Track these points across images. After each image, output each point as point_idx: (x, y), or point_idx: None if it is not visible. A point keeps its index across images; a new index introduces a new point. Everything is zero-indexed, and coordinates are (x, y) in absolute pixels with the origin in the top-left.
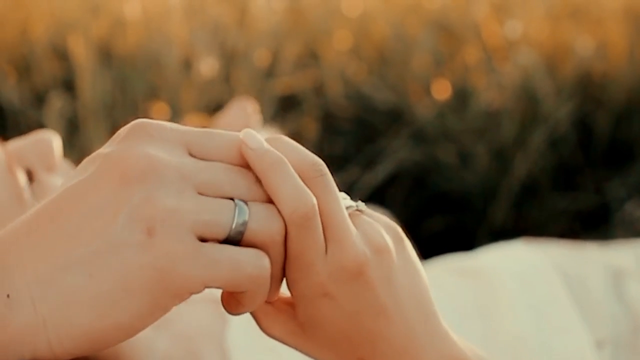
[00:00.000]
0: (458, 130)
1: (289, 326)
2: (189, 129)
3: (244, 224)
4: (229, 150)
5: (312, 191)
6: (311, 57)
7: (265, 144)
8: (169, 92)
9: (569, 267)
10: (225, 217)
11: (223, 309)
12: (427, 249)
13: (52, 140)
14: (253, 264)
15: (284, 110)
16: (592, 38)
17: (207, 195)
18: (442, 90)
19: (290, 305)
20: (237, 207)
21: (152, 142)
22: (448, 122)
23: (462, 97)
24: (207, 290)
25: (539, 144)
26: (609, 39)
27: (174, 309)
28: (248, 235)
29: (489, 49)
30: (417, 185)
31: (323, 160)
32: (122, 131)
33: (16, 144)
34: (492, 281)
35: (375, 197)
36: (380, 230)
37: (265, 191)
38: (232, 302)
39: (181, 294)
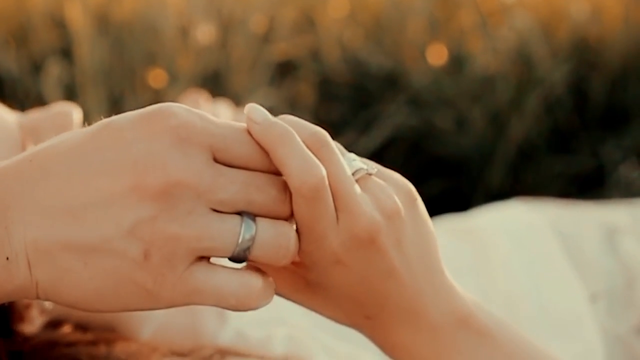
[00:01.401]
0: (454, 95)
1: (297, 286)
2: (219, 131)
3: (250, 241)
4: (255, 156)
5: (320, 160)
6: (307, 23)
7: (271, 117)
8: (166, 58)
9: (564, 224)
10: (228, 242)
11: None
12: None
13: (72, 113)
14: (236, 295)
15: (280, 76)
16: (587, 1)
17: (219, 212)
18: (437, 55)
19: (300, 267)
20: (243, 225)
21: (177, 147)
22: (444, 86)
23: (457, 61)
24: None
25: (535, 108)
26: (604, 3)
27: None
28: (252, 257)
29: (485, 13)
30: (414, 150)
31: (320, 126)
32: (151, 118)
33: (34, 117)
34: (486, 240)
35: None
36: (390, 194)
37: (284, 205)
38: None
39: (165, 307)
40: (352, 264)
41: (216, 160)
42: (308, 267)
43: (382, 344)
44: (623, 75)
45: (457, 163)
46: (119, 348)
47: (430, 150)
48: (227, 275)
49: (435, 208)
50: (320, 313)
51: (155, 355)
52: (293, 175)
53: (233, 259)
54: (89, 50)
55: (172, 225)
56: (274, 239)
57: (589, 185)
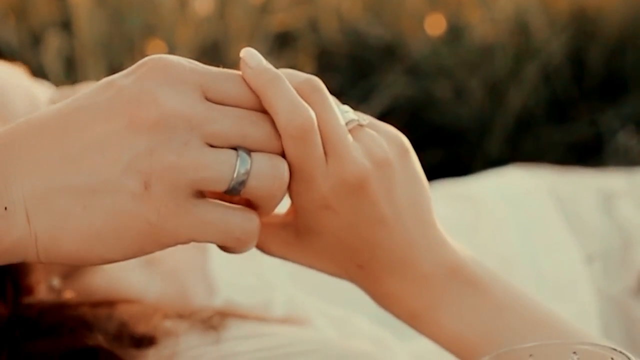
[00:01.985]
0: (452, 65)
1: (287, 241)
2: (208, 70)
3: (245, 175)
4: (247, 94)
5: (311, 106)
6: None
7: (265, 62)
8: (165, 30)
9: (560, 189)
10: (225, 172)
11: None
12: None
13: None
14: (241, 227)
15: (279, 47)
16: None
17: (213, 146)
18: (436, 26)
19: (288, 221)
20: (239, 159)
21: (169, 84)
22: (442, 57)
23: (456, 31)
24: None
25: (533, 77)
26: None
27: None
28: (247, 190)
29: None
30: (412, 120)
31: None
32: (142, 64)
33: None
34: (482, 204)
35: None
36: (382, 143)
37: (277, 141)
38: (219, 246)
39: (167, 246)
40: (341, 210)
41: (207, 99)
42: (298, 213)
43: (374, 294)
44: (621, 45)
45: (455, 133)
46: (121, 309)
47: (429, 120)
48: (230, 209)
49: (434, 177)
50: (313, 267)
51: (157, 317)
52: (280, 115)
53: (228, 192)
54: (88, 22)
55: (169, 156)
56: (269, 170)
57: (587, 154)
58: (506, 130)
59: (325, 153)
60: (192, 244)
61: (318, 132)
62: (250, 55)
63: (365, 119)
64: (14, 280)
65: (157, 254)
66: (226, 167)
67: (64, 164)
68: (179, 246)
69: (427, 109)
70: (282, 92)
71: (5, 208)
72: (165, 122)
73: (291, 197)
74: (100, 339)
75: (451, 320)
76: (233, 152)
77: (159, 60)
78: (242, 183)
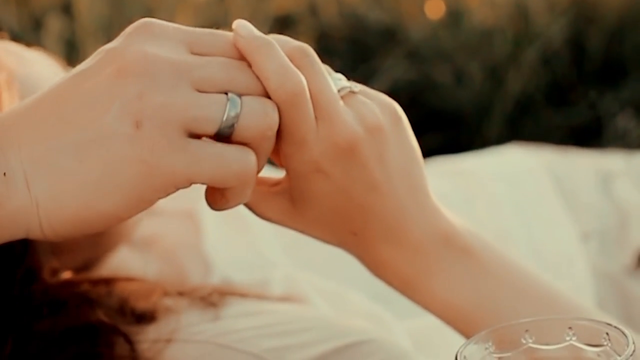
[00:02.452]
0: (452, 49)
1: (282, 207)
2: (192, 29)
3: (235, 118)
4: (231, 47)
5: (302, 72)
6: None
7: (256, 32)
8: (165, 13)
9: (558, 168)
10: (215, 112)
11: (197, 222)
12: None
13: None
14: (238, 160)
15: (278, 31)
16: None
17: (202, 91)
18: (435, 9)
19: (283, 186)
20: (229, 102)
21: (154, 39)
22: (442, 40)
23: (455, 15)
24: (180, 205)
25: (533, 61)
26: None
27: (155, 229)
28: (238, 131)
29: None
30: (412, 104)
31: None
32: (128, 29)
33: None
34: (479, 180)
35: None
36: (374, 110)
37: (262, 85)
38: (217, 197)
39: (166, 189)
40: (332, 174)
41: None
42: (291, 177)
43: (368, 262)
44: (620, 29)
45: (455, 116)
46: (121, 286)
47: (429, 103)
48: (225, 145)
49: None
50: (308, 234)
51: (157, 294)
52: (271, 79)
53: (219, 135)
54: (89, 5)
55: (159, 97)
56: (260, 109)
57: (586, 137)
58: (505, 114)
59: (316, 117)
60: (188, 225)
61: (308, 97)
62: (242, 25)
63: (358, 86)
64: (20, 264)
65: (151, 237)
66: (217, 107)
67: (58, 125)
68: (176, 227)
69: (427, 93)
70: (272, 57)
71: (5, 174)
72: (152, 67)
73: (283, 161)
74: (101, 315)
75: (443, 288)
76: (223, 95)
77: (144, 22)
78: (233, 126)
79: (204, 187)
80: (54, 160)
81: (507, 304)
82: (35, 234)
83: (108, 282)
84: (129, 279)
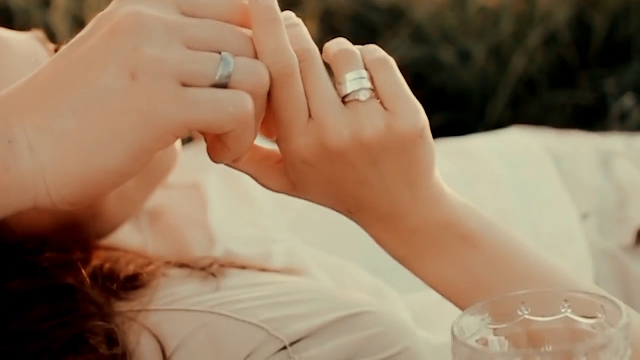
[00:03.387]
0: (456, 29)
1: (284, 182)
2: None
3: (228, 75)
4: (221, 8)
5: (301, 73)
6: None
7: (275, 4)
8: None
9: (559, 148)
10: (209, 67)
11: (202, 196)
12: None
13: None
14: (234, 102)
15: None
16: None
17: (194, 49)
18: None
19: (284, 165)
20: (222, 59)
21: (145, 2)
22: (446, 20)
23: None
24: (186, 178)
25: (536, 42)
26: None
27: (161, 202)
28: (231, 86)
29: None
30: (416, 83)
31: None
32: None
33: None
34: (481, 160)
35: None
36: (377, 124)
37: (252, 50)
38: (218, 146)
39: (165, 138)
40: (320, 168)
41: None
42: (285, 162)
43: (368, 233)
44: (624, 12)
45: (459, 96)
46: (122, 260)
47: (433, 83)
48: (220, 90)
49: (438, 139)
50: (314, 202)
51: (156, 264)
52: (265, 54)
53: (215, 86)
54: None
55: (153, 50)
56: (252, 68)
57: (589, 118)
58: (509, 95)
59: (310, 116)
60: (193, 198)
61: (299, 83)
62: None
63: (363, 96)
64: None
65: (152, 212)
66: (210, 62)
67: (57, 89)
68: (180, 200)
69: (431, 73)
70: (273, 33)
71: (9, 141)
72: (144, 23)
73: (278, 144)
74: (83, 278)
75: (436, 267)
76: (216, 54)
77: None
78: (225, 83)
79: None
80: (54, 124)
81: (503, 287)
82: (43, 201)
83: (107, 259)
84: (129, 251)
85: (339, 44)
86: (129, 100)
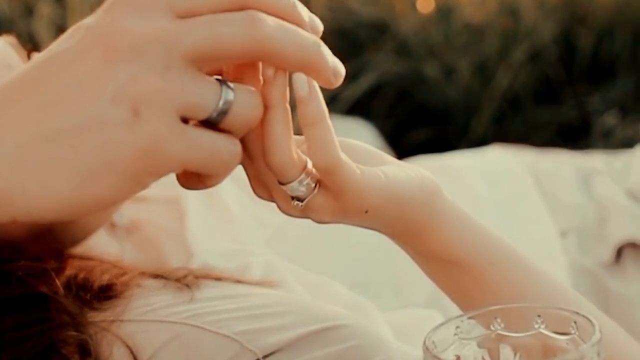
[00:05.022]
0: (441, 44)
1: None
2: None
3: (228, 105)
4: (218, 2)
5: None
6: None
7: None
8: None
9: (540, 167)
10: (209, 100)
11: (181, 210)
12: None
13: None
14: (229, 151)
15: None
16: None
17: (195, 61)
18: (425, 4)
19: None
20: (222, 90)
21: (135, 12)
22: (431, 36)
23: (445, 11)
24: (166, 192)
25: (521, 59)
26: None
27: (139, 215)
28: (229, 119)
29: None
30: (401, 98)
31: None
32: (106, 3)
33: None
34: (460, 178)
35: (360, 109)
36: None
37: (247, 37)
38: (192, 180)
39: (160, 173)
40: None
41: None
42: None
43: None
44: (610, 29)
45: (443, 112)
46: (97, 270)
47: (417, 98)
48: (216, 134)
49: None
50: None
51: (131, 275)
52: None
53: (208, 121)
54: None
55: (154, 80)
56: (250, 101)
57: (573, 135)
58: (493, 111)
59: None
60: (171, 212)
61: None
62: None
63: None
64: None
65: (129, 224)
66: (211, 95)
67: (44, 110)
68: (157, 213)
69: (416, 88)
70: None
71: None
72: (140, 47)
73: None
74: (56, 288)
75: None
76: (217, 81)
77: None
78: (224, 112)
79: None
80: (43, 147)
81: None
82: (23, 218)
83: (80, 268)
84: (103, 261)
85: None
86: (130, 137)
